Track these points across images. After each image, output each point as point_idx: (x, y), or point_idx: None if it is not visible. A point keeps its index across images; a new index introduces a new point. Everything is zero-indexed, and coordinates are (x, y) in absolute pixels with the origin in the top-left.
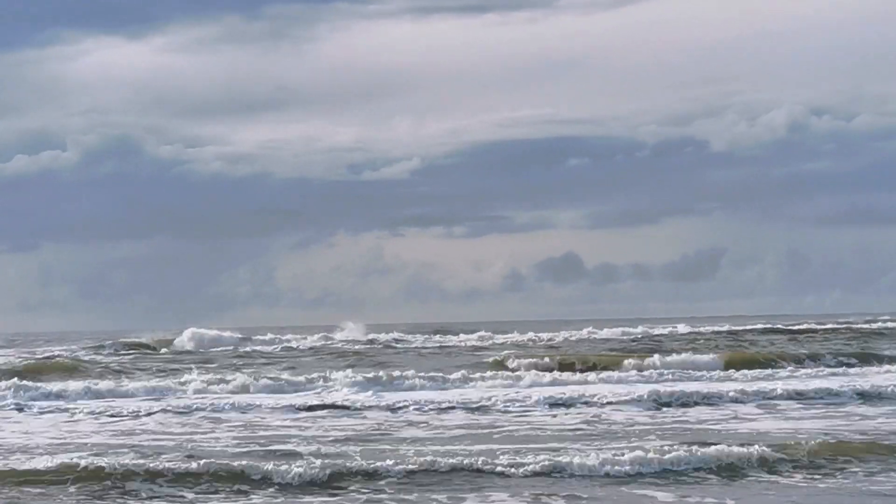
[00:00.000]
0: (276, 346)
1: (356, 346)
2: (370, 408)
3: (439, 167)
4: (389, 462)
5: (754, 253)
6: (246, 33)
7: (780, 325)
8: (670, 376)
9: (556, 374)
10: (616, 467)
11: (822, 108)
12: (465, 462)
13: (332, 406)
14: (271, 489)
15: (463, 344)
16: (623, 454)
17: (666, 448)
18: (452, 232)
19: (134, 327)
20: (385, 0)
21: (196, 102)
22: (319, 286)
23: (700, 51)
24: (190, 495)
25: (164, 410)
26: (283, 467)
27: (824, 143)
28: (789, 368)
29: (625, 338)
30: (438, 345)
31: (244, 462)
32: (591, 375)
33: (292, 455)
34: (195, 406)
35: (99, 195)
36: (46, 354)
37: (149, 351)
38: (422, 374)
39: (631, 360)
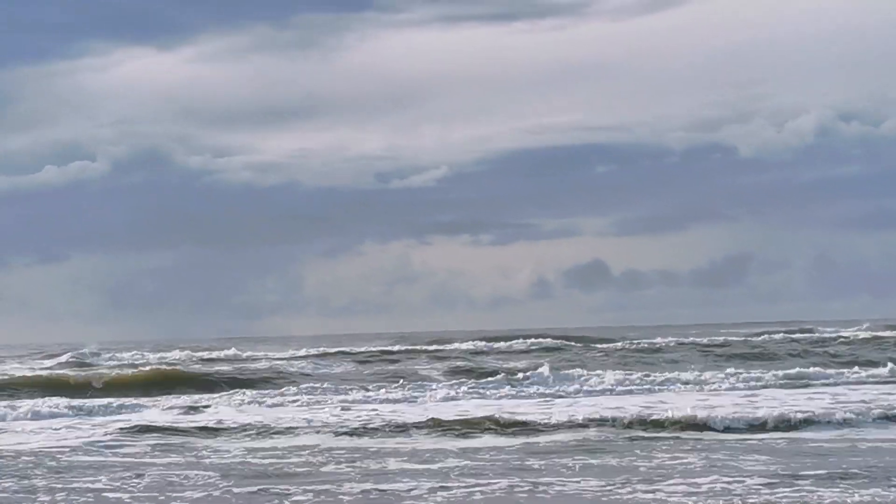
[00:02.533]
0: None
1: None
2: None
3: (467, 175)
4: None
5: (782, 258)
6: (275, 42)
7: None
8: None
9: None
10: None
11: (851, 114)
12: None
13: None
14: None
15: None
16: None
17: None
18: (480, 240)
19: (163, 337)
20: (414, 9)
21: (225, 112)
22: (347, 294)
23: (728, 56)
24: None
25: None
26: None
27: (853, 149)
28: None
29: None
30: None
31: None
32: None
33: None
34: None
35: (128, 205)
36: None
37: None
38: None
39: None
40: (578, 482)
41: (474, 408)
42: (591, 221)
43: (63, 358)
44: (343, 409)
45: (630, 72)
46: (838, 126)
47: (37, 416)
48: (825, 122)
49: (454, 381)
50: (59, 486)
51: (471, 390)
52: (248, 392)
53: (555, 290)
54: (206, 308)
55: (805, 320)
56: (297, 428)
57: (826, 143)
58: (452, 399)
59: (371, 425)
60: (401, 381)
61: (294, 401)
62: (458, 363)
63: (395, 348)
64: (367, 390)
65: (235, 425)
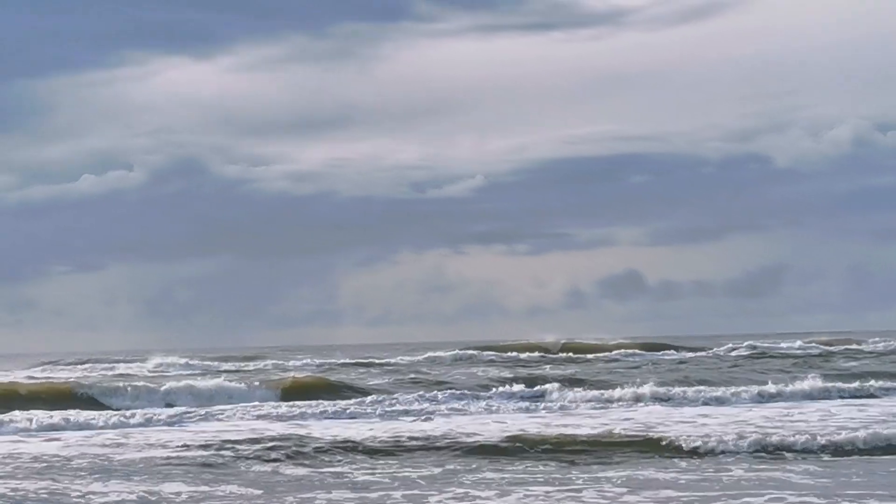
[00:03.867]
0: None
1: None
2: None
3: (502, 185)
4: None
5: (818, 269)
6: (312, 52)
7: None
8: None
9: None
10: None
11: (888, 124)
12: None
13: None
14: None
15: None
16: None
17: None
18: (515, 249)
19: (199, 345)
20: (451, 19)
21: (262, 121)
22: (382, 304)
23: (764, 66)
24: None
25: None
26: None
27: (889, 159)
28: None
29: None
30: None
31: None
32: None
33: None
34: None
35: (165, 214)
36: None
37: None
38: None
39: None
40: None
41: None
42: (627, 231)
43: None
44: None
45: (666, 82)
46: (875, 136)
47: None
48: (861, 132)
49: None
50: None
51: None
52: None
53: (589, 300)
54: (242, 317)
55: (840, 331)
56: None
57: (862, 154)
58: None
59: None
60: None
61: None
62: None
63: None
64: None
65: None
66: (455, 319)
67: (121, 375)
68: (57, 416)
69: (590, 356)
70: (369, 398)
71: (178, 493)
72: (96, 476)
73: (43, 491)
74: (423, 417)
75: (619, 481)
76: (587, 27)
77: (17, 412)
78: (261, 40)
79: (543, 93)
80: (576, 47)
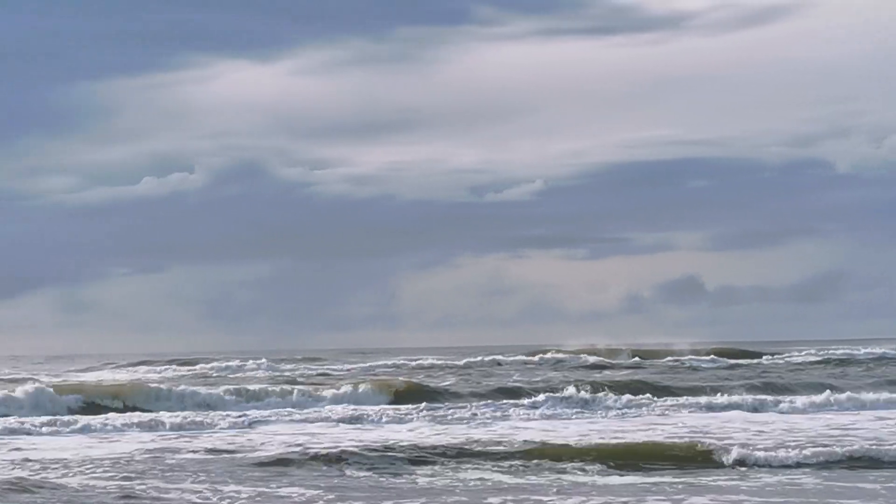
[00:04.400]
0: None
1: None
2: None
3: (562, 189)
4: None
5: (878, 275)
6: (373, 56)
7: None
8: None
9: None
10: None
11: None
12: None
13: None
14: None
15: None
16: None
17: None
18: (574, 254)
19: (258, 348)
20: (512, 22)
21: (322, 125)
22: (441, 308)
23: (825, 71)
24: None
25: None
26: None
27: None
28: None
29: None
30: None
31: None
32: None
33: None
34: None
35: (225, 217)
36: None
37: None
38: None
39: None
40: None
41: None
42: (686, 236)
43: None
44: None
45: (727, 86)
46: None
47: None
48: None
49: None
50: None
51: None
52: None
53: (647, 305)
54: (301, 320)
55: None
56: None
57: None
58: None
59: None
60: None
61: None
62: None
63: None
64: None
65: None
66: (513, 323)
67: (242, 378)
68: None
69: (659, 361)
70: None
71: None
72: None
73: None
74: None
75: None
76: (647, 31)
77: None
78: (322, 44)
79: (603, 97)
80: (636, 51)
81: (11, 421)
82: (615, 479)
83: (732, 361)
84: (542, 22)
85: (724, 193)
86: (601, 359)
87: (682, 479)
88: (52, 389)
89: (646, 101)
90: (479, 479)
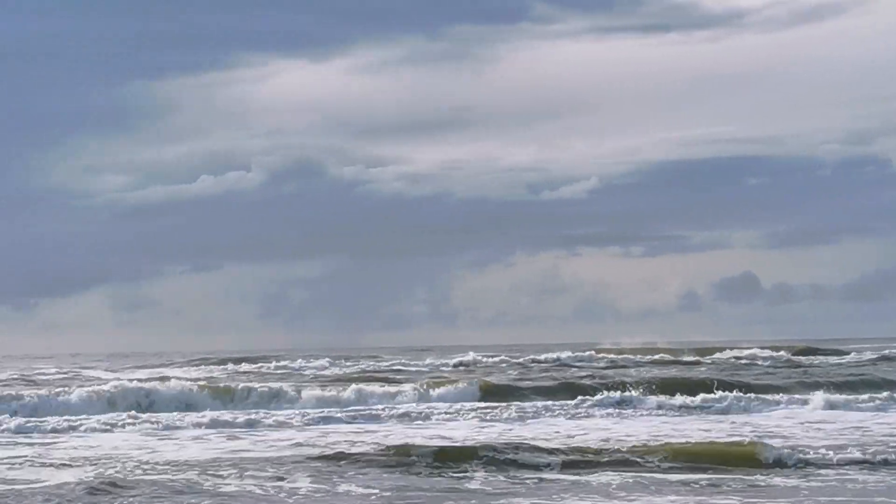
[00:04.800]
0: None
1: None
2: None
3: (617, 186)
4: None
5: None
6: (428, 54)
7: None
8: None
9: None
10: None
11: None
12: None
13: None
14: None
15: None
16: None
17: None
18: (629, 251)
19: (313, 345)
20: (567, 20)
21: (378, 123)
22: (495, 305)
23: (882, 68)
24: None
25: None
26: None
27: None
28: None
29: None
30: None
31: None
32: None
33: None
34: None
35: (281, 215)
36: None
37: None
38: None
39: None
40: None
41: None
42: (742, 234)
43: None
44: None
45: (783, 83)
46: None
47: None
48: None
49: None
50: None
51: None
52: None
53: (703, 303)
54: (356, 318)
55: None
56: None
57: None
58: None
59: None
60: None
61: None
62: None
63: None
64: None
65: None
66: (568, 321)
67: (321, 376)
68: None
69: (719, 357)
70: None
71: None
72: None
73: None
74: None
75: None
76: (704, 28)
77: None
78: (377, 42)
79: (659, 94)
80: (692, 49)
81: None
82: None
83: (802, 358)
84: (597, 20)
85: (779, 191)
86: (663, 356)
87: None
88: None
89: (701, 98)
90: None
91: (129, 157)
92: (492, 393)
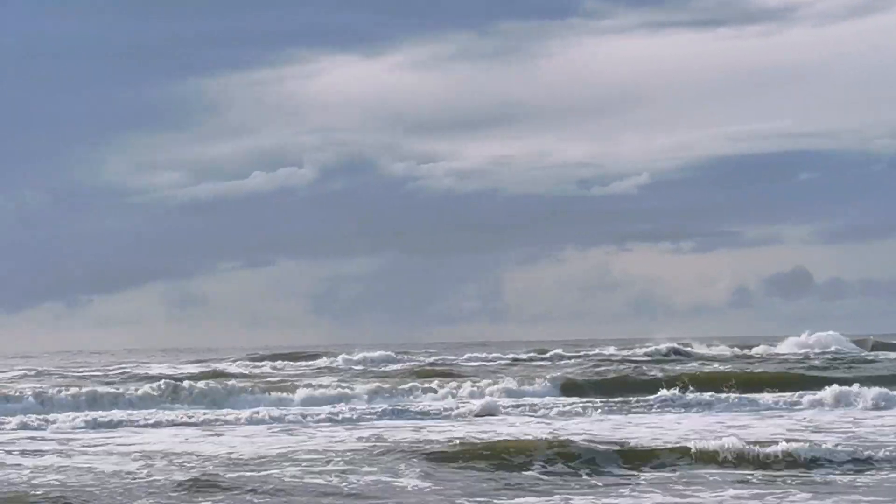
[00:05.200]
0: None
1: None
2: None
3: (668, 182)
4: None
5: None
6: (478, 50)
7: None
8: None
9: None
10: None
11: None
12: None
13: None
14: None
15: None
16: None
17: None
18: (680, 247)
19: (362, 341)
20: (618, 15)
21: (428, 119)
22: (545, 301)
23: None
24: None
25: None
26: None
27: None
28: None
29: None
30: None
31: None
32: None
33: None
34: None
35: (333, 212)
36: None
37: None
38: None
39: None
40: None
41: None
42: (795, 229)
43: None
44: None
45: (836, 77)
46: None
47: None
48: None
49: None
50: None
51: None
52: None
53: (755, 299)
54: (406, 314)
55: None
56: None
57: None
58: None
59: None
60: None
61: None
62: None
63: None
64: None
65: None
66: (618, 317)
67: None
68: None
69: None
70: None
71: None
72: None
73: None
74: None
75: None
76: (756, 23)
77: None
78: (428, 38)
79: (711, 89)
80: (744, 43)
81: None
82: None
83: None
84: (648, 14)
85: (832, 186)
86: (723, 350)
87: None
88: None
89: (754, 93)
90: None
91: (182, 154)
92: (572, 389)
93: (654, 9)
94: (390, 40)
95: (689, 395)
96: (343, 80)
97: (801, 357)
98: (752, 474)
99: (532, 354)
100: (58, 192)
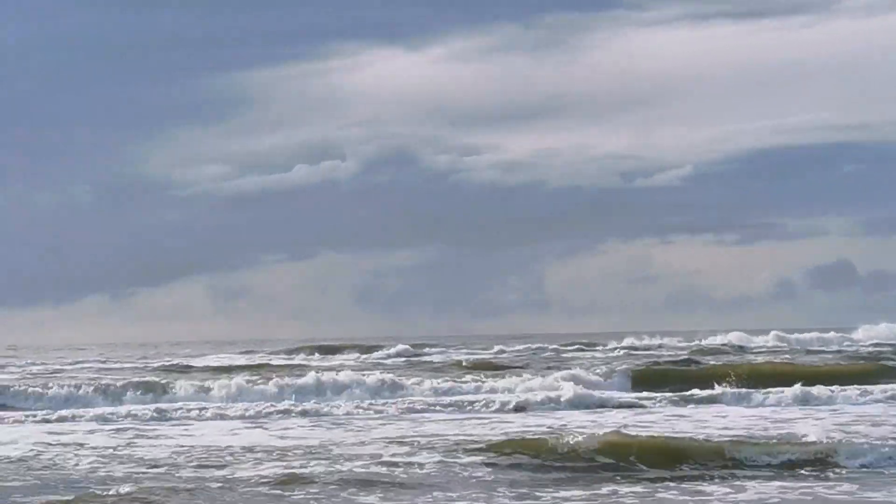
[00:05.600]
0: None
1: None
2: None
3: (711, 174)
4: None
5: None
6: (521, 42)
7: None
8: None
9: None
10: None
11: None
12: None
13: None
14: None
15: None
16: None
17: None
18: (723, 239)
19: (405, 334)
20: (662, 7)
21: (472, 111)
22: (588, 294)
23: None
24: None
25: None
26: None
27: None
28: None
29: None
30: None
31: None
32: None
33: None
34: None
35: (376, 204)
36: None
37: None
38: None
39: None
40: None
41: None
42: (838, 221)
43: None
44: None
45: (879, 69)
46: None
47: None
48: None
49: None
50: None
51: None
52: None
53: (798, 291)
54: (449, 306)
55: None
56: None
57: None
58: None
59: None
60: None
61: None
62: None
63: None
64: None
65: None
66: (660, 310)
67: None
68: None
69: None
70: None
71: None
72: None
73: None
74: None
75: None
76: (798, 14)
77: None
78: (471, 31)
79: (754, 81)
80: (787, 35)
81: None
82: None
83: None
84: (691, 6)
85: (876, 178)
86: (778, 343)
87: None
88: None
89: (797, 84)
90: None
91: (226, 147)
92: (641, 381)
93: (698, 1)
94: (434, 33)
95: (764, 390)
96: (386, 72)
97: (872, 350)
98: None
99: (579, 345)
100: (102, 187)
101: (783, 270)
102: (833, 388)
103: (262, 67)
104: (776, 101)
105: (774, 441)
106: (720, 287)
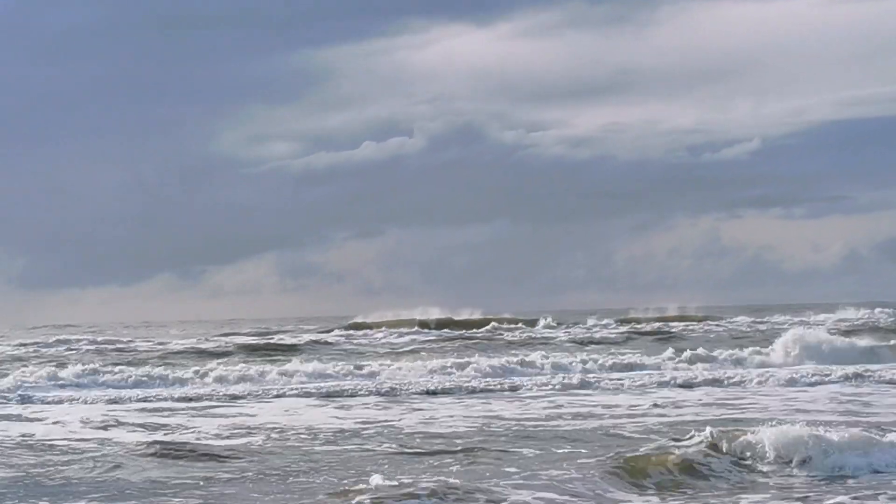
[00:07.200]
0: None
1: None
2: None
3: (780, 148)
4: None
5: None
6: (589, 17)
7: None
8: None
9: None
10: None
11: None
12: None
13: None
14: None
15: None
16: None
17: None
18: (792, 213)
19: (472, 310)
20: None
21: (539, 87)
22: (656, 269)
23: None
24: None
25: None
26: None
27: None
28: None
29: None
30: None
31: None
32: None
33: None
34: None
35: (443, 181)
36: None
37: None
38: None
39: None
40: None
41: None
42: None
43: None
44: None
45: None
46: None
47: None
48: None
49: None
50: None
51: None
52: None
53: (867, 264)
54: (517, 282)
55: None
56: None
57: None
58: None
59: None
60: None
61: None
62: None
63: None
64: None
65: None
66: (729, 284)
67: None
68: None
69: None
70: None
71: None
72: None
73: None
74: None
75: None
76: None
77: None
78: (539, 6)
79: (823, 54)
80: (857, 7)
81: None
82: None
83: None
84: None
85: None
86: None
87: None
88: None
89: (866, 57)
90: None
91: (294, 125)
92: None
93: None
94: (501, 9)
95: None
96: (454, 49)
97: None
98: None
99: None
100: (172, 165)
101: (852, 244)
102: None
103: (331, 45)
104: (844, 73)
105: None
106: (789, 261)
